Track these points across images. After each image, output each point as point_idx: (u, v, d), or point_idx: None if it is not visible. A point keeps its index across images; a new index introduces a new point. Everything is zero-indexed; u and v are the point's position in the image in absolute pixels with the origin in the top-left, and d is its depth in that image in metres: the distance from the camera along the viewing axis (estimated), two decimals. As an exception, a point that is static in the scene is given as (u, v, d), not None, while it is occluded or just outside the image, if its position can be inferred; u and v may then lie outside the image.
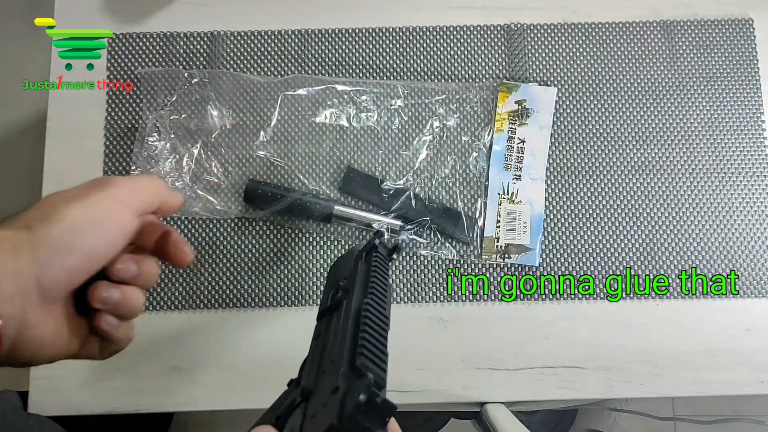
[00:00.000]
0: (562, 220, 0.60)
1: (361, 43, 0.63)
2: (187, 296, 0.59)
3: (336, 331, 0.35)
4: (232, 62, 0.63)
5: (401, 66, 0.63)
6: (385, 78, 0.63)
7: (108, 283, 0.34)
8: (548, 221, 0.60)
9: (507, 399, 0.58)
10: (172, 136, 0.60)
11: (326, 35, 0.64)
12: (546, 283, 0.59)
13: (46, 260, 0.31)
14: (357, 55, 0.63)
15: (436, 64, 0.63)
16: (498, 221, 0.60)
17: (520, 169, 0.61)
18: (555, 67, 0.63)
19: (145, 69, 0.62)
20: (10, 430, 0.52)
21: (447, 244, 0.59)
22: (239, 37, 0.63)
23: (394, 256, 0.45)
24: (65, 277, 0.31)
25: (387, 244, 0.45)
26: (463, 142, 0.61)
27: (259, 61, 0.63)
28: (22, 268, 0.30)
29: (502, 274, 0.59)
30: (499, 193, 0.60)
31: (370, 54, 0.63)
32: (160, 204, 0.37)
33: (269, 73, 0.63)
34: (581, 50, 0.63)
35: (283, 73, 0.63)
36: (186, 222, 0.60)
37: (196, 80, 0.61)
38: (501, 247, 0.59)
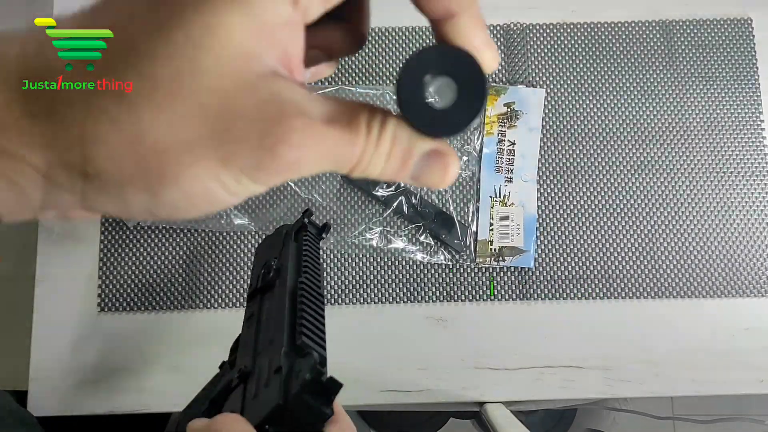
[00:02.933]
0: (558, 221, 0.60)
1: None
2: (187, 296, 0.59)
3: (270, 310, 0.33)
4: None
5: (400, 66, 0.63)
6: (384, 79, 0.63)
7: None
8: (542, 222, 0.60)
9: (506, 399, 0.58)
10: None
11: (326, 35, 0.64)
12: (545, 283, 0.59)
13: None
14: (357, 55, 0.63)
15: (435, 64, 0.63)
16: (491, 224, 0.60)
17: (511, 171, 0.61)
18: (554, 66, 0.63)
19: None
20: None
21: (442, 249, 0.59)
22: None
23: (324, 235, 0.43)
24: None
25: (316, 223, 0.43)
26: (453, 146, 0.61)
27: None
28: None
29: (502, 274, 0.59)
30: (491, 197, 0.60)
31: (369, 54, 0.63)
32: None
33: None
34: (580, 50, 0.63)
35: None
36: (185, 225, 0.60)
37: None
38: (495, 250, 0.59)
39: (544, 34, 0.64)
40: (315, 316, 0.31)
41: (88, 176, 0.18)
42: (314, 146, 0.18)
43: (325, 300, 0.35)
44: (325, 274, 0.59)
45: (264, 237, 0.47)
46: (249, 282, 0.40)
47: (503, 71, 0.63)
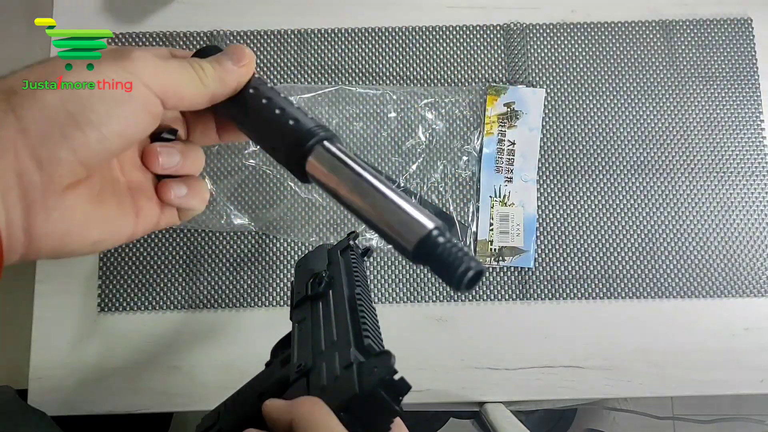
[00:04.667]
0: (558, 221, 0.60)
1: (360, 43, 0.63)
2: (187, 296, 0.59)
3: (328, 316, 0.36)
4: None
5: (400, 67, 0.63)
6: (383, 79, 0.63)
7: (163, 148, 0.31)
8: (542, 222, 0.60)
9: (506, 399, 0.58)
10: None
11: (325, 35, 0.64)
12: (545, 283, 0.59)
13: (41, 136, 0.24)
14: (357, 55, 0.63)
15: (434, 64, 0.63)
16: (491, 224, 0.60)
17: (511, 171, 0.61)
18: (553, 66, 0.63)
19: None
20: (8, 419, 0.51)
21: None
22: (238, 37, 0.63)
23: (366, 258, 0.47)
24: (76, 158, 0.25)
25: (358, 246, 0.47)
26: (453, 146, 0.61)
27: (258, 61, 0.63)
28: (5, 147, 0.23)
29: (502, 274, 0.59)
30: (491, 196, 0.60)
31: (369, 54, 0.63)
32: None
33: (267, 74, 0.63)
34: (580, 50, 0.63)
35: (281, 75, 0.63)
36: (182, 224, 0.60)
37: None
38: (495, 250, 0.59)
39: (544, 34, 0.64)
40: (373, 324, 0.34)
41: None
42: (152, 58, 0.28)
43: None
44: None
45: (305, 253, 0.52)
46: (293, 290, 0.43)
47: (503, 71, 0.63)
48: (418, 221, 0.27)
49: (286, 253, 0.59)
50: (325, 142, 0.30)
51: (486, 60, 0.63)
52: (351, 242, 0.45)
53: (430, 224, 0.27)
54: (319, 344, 0.34)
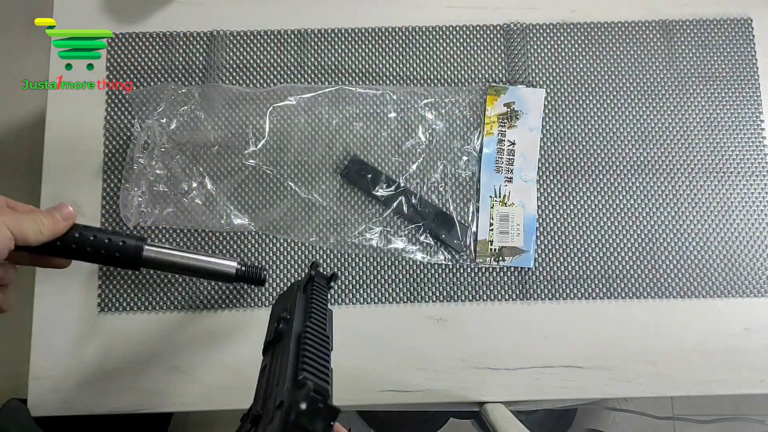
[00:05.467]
0: (558, 221, 0.60)
1: (360, 43, 0.63)
2: (187, 296, 0.59)
3: (278, 358, 0.36)
4: (230, 62, 0.63)
5: (400, 67, 0.63)
6: (383, 79, 0.63)
7: None
8: (542, 222, 0.60)
9: (506, 399, 0.58)
10: (162, 149, 0.60)
11: (325, 35, 0.64)
12: (545, 283, 0.59)
13: None
14: (357, 55, 0.63)
15: (434, 64, 0.63)
16: (491, 224, 0.60)
17: (511, 171, 0.61)
18: (553, 66, 0.63)
19: (137, 90, 0.61)
20: None
21: (442, 249, 0.59)
22: (238, 37, 0.63)
23: (332, 284, 0.48)
24: None
25: (323, 274, 0.49)
26: (453, 146, 0.61)
27: (258, 61, 0.63)
28: None
29: (501, 274, 0.59)
30: (491, 196, 0.60)
31: (369, 54, 0.63)
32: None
33: (267, 74, 0.63)
34: (580, 50, 0.63)
35: (281, 75, 0.63)
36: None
37: (183, 90, 0.60)
38: (495, 250, 0.59)
39: (544, 34, 0.64)
40: (317, 353, 0.34)
41: None
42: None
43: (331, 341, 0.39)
44: (326, 273, 0.59)
45: (279, 294, 0.55)
46: (265, 336, 0.43)
47: (503, 71, 0.63)
48: (225, 263, 0.52)
49: (286, 253, 0.59)
50: (146, 245, 0.48)
51: (486, 60, 0.63)
52: (313, 272, 0.46)
53: (233, 263, 0.53)
54: (270, 389, 0.34)
